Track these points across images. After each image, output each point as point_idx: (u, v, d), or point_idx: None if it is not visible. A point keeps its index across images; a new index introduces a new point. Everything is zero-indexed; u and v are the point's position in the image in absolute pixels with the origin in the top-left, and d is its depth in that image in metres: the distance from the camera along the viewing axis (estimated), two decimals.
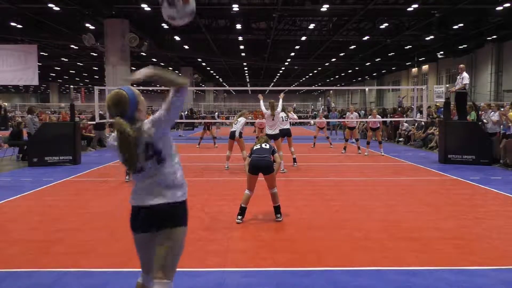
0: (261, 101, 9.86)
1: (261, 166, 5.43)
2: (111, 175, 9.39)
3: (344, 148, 13.66)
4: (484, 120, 11.89)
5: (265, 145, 5.68)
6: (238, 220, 5.43)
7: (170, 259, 2.34)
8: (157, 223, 2.34)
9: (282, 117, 10.17)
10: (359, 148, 13.52)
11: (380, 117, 14.45)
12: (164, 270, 2.31)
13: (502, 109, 12.25)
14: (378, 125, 13.31)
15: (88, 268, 3.93)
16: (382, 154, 12.75)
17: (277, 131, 9.22)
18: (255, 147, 5.68)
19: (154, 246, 2.38)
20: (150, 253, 2.41)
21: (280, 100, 9.53)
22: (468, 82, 11.24)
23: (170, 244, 2.33)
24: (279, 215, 5.54)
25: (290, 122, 11.33)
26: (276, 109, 9.17)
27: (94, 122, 15.66)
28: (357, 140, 13.94)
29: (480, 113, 12.96)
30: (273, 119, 9.17)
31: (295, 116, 11.89)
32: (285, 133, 10.32)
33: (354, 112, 14.39)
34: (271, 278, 3.70)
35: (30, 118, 12.01)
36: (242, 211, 5.47)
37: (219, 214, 5.84)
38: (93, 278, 3.73)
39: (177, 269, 3.97)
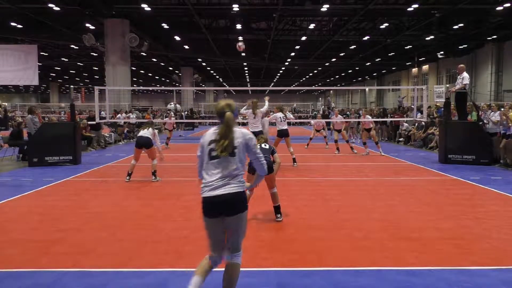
0: (266, 103, 10.50)
1: None
2: (111, 175, 9.39)
3: (337, 149, 13.69)
4: (485, 120, 11.88)
5: (265, 145, 5.70)
6: None
7: (241, 238, 3.12)
8: (232, 210, 2.98)
9: (280, 117, 10.60)
10: (352, 148, 13.74)
11: (369, 117, 14.63)
12: (238, 246, 3.13)
13: (502, 109, 12.24)
14: (371, 125, 13.48)
15: (88, 268, 3.93)
16: (382, 154, 12.76)
17: (259, 129, 9.61)
18: None
19: (223, 228, 3.05)
20: (221, 234, 3.08)
21: (266, 103, 10.20)
22: (468, 82, 11.22)
23: (242, 225, 3.06)
24: (279, 215, 5.55)
25: (289, 123, 11.54)
26: (258, 109, 9.75)
27: (93, 122, 15.69)
28: (347, 141, 14.31)
29: (480, 113, 12.96)
30: (254, 117, 9.66)
31: (291, 116, 11.98)
32: (283, 134, 10.45)
33: (338, 115, 14.85)
34: (271, 278, 3.71)
35: (31, 118, 12.00)
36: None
37: None
38: (93, 278, 3.73)
39: (177, 269, 3.97)
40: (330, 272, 3.84)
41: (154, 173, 8.55)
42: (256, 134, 9.13)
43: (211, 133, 3.10)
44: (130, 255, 4.29)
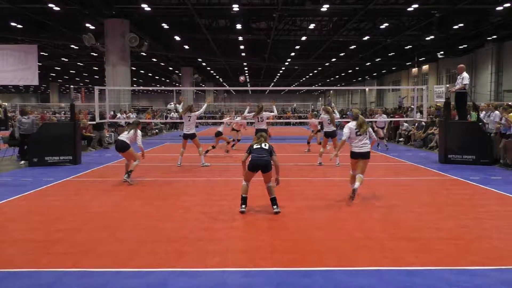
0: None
1: (261, 165, 5.81)
2: (111, 175, 9.39)
3: (378, 145, 14.55)
4: (484, 120, 11.87)
5: (265, 145, 5.98)
6: (242, 209, 5.82)
7: (365, 169, 6.68)
8: (365, 157, 6.61)
9: (258, 117, 11.42)
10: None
11: (385, 116, 15.26)
12: (363, 172, 6.59)
13: (499, 108, 12.21)
14: (383, 124, 14.95)
15: (88, 268, 3.93)
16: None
17: (192, 131, 10.39)
18: (255, 146, 5.97)
19: (358, 164, 6.64)
20: (356, 165, 6.62)
21: (205, 105, 11.48)
22: (468, 82, 11.21)
23: (366, 165, 6.69)
24: (275, 207, 5.76)
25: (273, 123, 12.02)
26: (194, 112, 10.48)
27: (94, 122, 15.70)
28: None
29: (479, 113, 12.93)
30: (189, 120, 10.36)
31: (271, 114, 11.79)
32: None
33: (383, 115, 16.36)
34: (271, 278, 3.71)
35: (18, 119, 11.44)
36: (244, 200, 5.89)
37: (219, 214, 5.84)
38: (93, 278, 3.73)
39: (177, 269, 3.98)
40: (330, 272, 3.84)
41: (129, 172, 8.14)
42: (190, 136, 10.38)
43: (354, 124, 6.61)
44: (130, 255, 4.29)
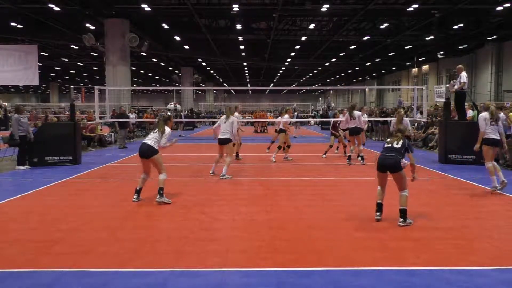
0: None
1: (387, 164, 5.37)
2: (111, 175, 9.39)
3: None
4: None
5: (397, 143, 5.47)
6: (377, 217, 5.48)
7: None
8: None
9: (350, 117, 10.63)
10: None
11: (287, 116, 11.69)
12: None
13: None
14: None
15: (88, 268, 3.93)
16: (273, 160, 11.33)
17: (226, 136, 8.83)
18: (386, 145, 5.58)
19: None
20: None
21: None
22: (465, 80, 11.19)
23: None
24: (402, 220, 5.30)
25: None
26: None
27: (119, 120, 16.26)
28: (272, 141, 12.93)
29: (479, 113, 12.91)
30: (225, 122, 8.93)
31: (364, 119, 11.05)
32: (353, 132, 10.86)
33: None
34: (271, 278, 3.70)
35: (16, 118, 10.39)
36: (379, 207, 5.54)
37: (219, 214, 5.84)
38: (93, 278, 3.73)
39: (177, 269, 3.96)
40: (330, 272, 3.84)
41: (159, 191, 6.52)
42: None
43: (487, 114, 7.28)
44: (130, 255, 4.29)
